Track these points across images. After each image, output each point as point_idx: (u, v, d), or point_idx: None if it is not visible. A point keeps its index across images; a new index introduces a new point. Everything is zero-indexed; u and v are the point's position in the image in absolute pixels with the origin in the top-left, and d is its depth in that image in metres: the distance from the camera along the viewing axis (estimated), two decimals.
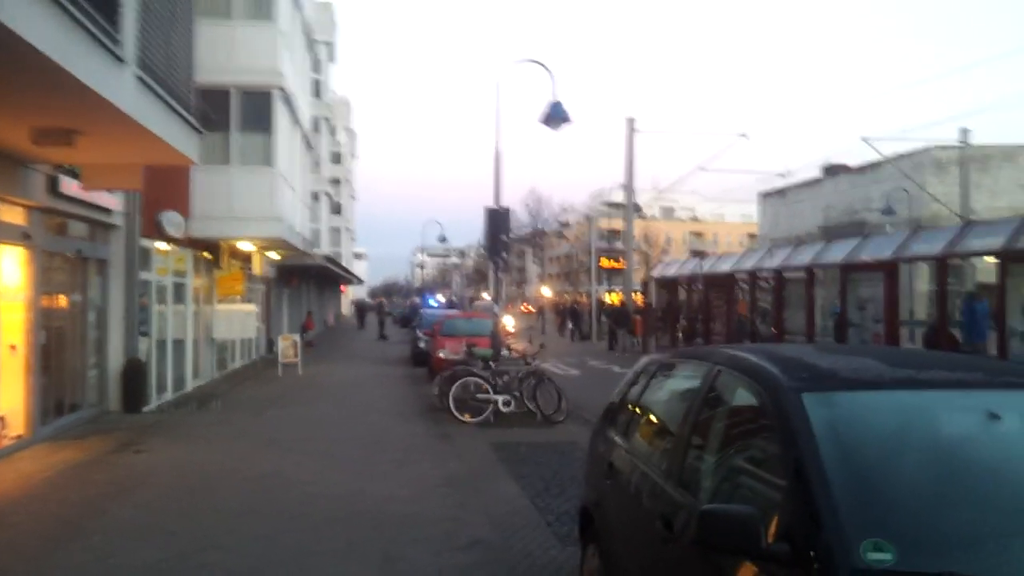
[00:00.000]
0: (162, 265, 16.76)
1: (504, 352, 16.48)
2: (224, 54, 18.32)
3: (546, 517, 8.07)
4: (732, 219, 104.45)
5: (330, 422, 14.19)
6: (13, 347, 11.27)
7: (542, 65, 17.46)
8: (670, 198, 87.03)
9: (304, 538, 7.33)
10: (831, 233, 36.54)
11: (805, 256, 19.99)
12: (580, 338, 41.37)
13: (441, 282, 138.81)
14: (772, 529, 2.92)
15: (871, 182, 40.64)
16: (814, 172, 46.73)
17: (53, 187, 11.47)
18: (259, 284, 27.36)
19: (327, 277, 51.26)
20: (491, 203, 17.10)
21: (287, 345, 22.76)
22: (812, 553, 2.71)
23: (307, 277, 43.83)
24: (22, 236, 11.19)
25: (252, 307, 22.79)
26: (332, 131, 43.25)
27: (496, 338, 16.60)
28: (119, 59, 7.58)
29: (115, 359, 14.44)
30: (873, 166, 40.39)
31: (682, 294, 28.13)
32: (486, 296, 72.84)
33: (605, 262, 64.69)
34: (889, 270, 16.39)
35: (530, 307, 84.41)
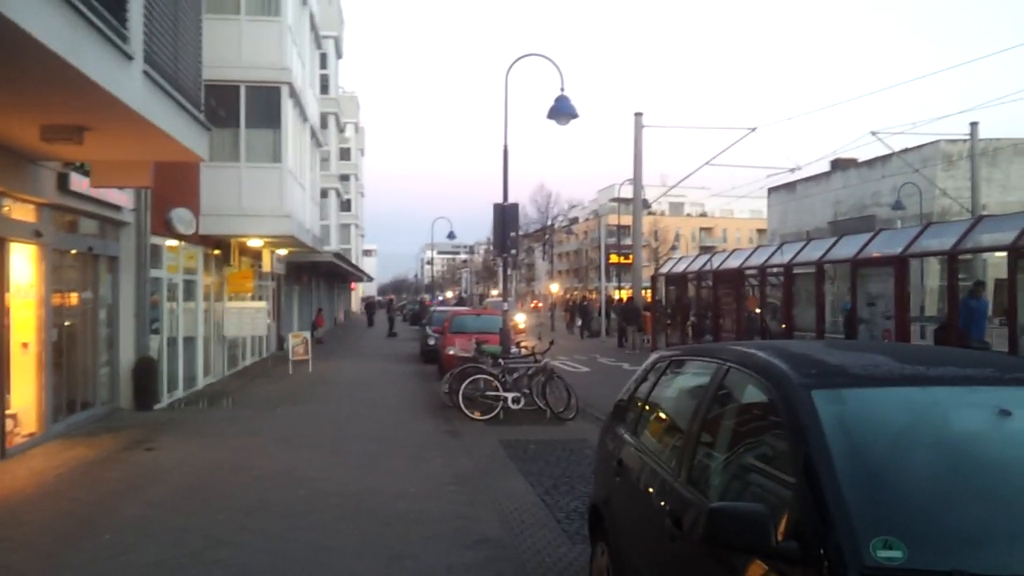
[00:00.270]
0: (172, 262, 16.81)
1: (513, 349, 16.49)
2: (232, 50, 18.37)
3: (555, 514, 8.07)
4: (741, 215, 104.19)
5: (340, 419, 14.21)
6: (25, 345, 11.33)
7: (549, 60, 17.46)
8: (679, 194, 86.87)
9: (314, 535, 7.35)
10: (840, 228, 36.41)
11: (815, 252, 19.90)
12: (589, 335, 41.36)
13: (450, 279, 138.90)
14: (782, 527, 2.91)
15: (880, 176, 40.49)
16: (823, 167, 46.60)
17: (63, 184, 11.51)
18: (269, 281, 27.43)
19: (337, 274, 51.35)
20: (500, 199, 17.09)
21: (298, 342, 22.80)
22: (822, 551, 2.70)
23: (317, 274, 43.94)
24: (33, 233, 11.23)
25: (262, 304, 22.84)
26: (340, 127, 43.29)
27: (505, 335, 16.59)
28: (127, 55, 7.59)
29: (126, 356, 14.49)
30: (882, 160, 40.25)
31: (691, 290, 28.06)
32: (494, 293, 72.92)
33: (614, 258, 64.65)
34: (899, 266, 16.31)
35: (539, 303, 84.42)
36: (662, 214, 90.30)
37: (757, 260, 22.90)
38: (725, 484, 3.67)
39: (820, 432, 3.08)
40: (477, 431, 12.92)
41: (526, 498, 8.74)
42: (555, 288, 76.49)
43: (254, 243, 21.55)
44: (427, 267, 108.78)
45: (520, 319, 38.16)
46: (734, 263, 24.17)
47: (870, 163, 42.62)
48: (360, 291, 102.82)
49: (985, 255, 20.40)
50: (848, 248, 18.64)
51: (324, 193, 34.25)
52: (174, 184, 15.90)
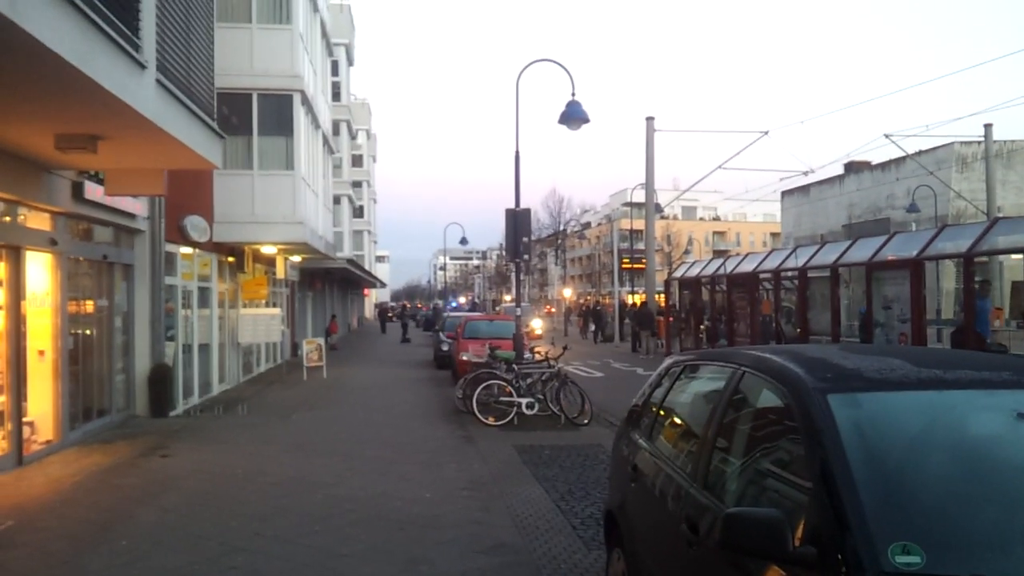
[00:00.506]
0: (187, 270, 16.89)
1: (527, 355, 16.47)
2: (244, 58, 18.47)
3: (571, 520, 8.04)
4: (754, 218, 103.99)
5: (355, 425, 14.23)
6: (41, 352, 11.39)
7: (560, 65, 17.47)
8: (691, 198, 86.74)
9: (329, 541, 7.35)
10: (855, 231, 36.27)
11: (830, 255, 19.81)
12: (603, 340, 41.31)
13: (463, 285, 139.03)
14: (799, 532, 2.89)
15: (895, 179, 40.31)
16: (837, 169, 46.42)
17: (78, 193, 11.58)
18: (283, 288, 27.52)
19: (350, 280, 51.50)
20: (512, 204, 17.09)
21: (312, 348, 22.86)
22: (839, 556, 2.68)
23: (330, 280, 44.06)
24: (48, 242, 11.30)
25: (277, 311, 22.93)
26: (352, 134, 43.41)
27: (519, 340, 16.58)
28: (140, 64, 7.64)
29: (141, 364, 14.56)
30: (896, 163, 40.07)
31: (705, 295, 27.98)
32: (507, 299, 72.94)
33: (627, 263, 64.59)
34: (915, 268, 16.22)
35: (552, 308, 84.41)
36: (675, 218, 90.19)
37: (771, 264, 22.81)
38: (741, 489, 3.64)
39: (836, 436, 3.06)
40: (491, 437, 12.91)
41: (541, 504, 8.73)
42: (568, 293, 76.48)
43: (268, 250, 21.62)
44: (440, 273, 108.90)
45: (537, 325, 38.17)
46: (748, 267, 24.08)
47: (884, 166, 42.44)
48: (374, 297, 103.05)
49: (1001, 257, 20.26)
50: (863, 251, 18.55)
51: (337, 200, 34.34)
52: (188, 192, 15.97)
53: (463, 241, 53.97)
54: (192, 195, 16.49)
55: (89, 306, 13.08)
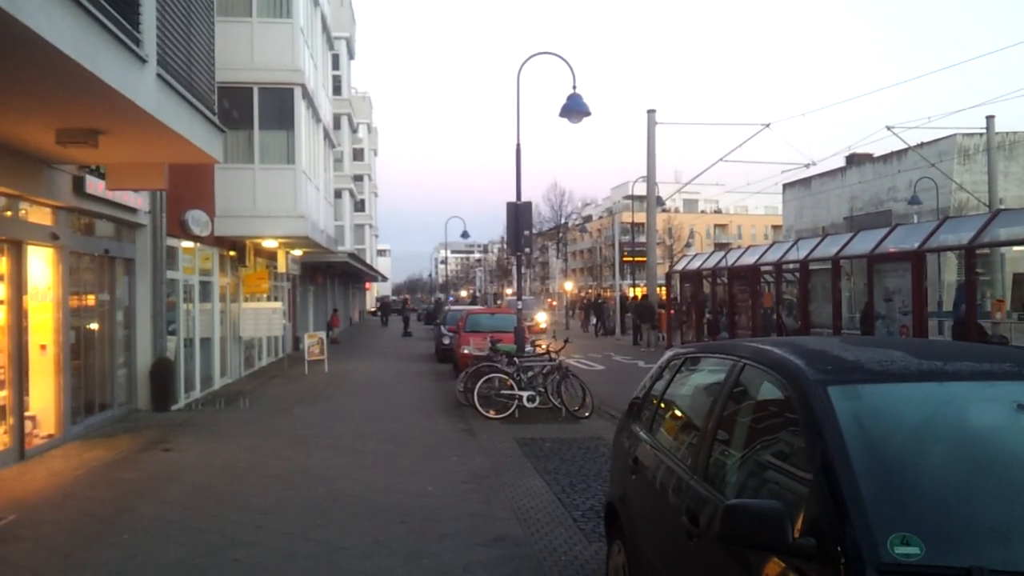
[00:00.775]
0: (188, 264, 16.90)
1: (528, 348, 16.49)
2: (244, 52, 18.46)
3: (572, 513, 8.06)
4: (756, 211, 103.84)
5: (356, 418, 14.24)
6: (43, 347, 11.40)
7: (562, 58, 17.45)
8: (693, 190, 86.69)
9: (331, 534, 7.37)
10: (857, 223, 36.23)
11: (831, 247, 19.80)
12: (604, 333, 41.32)
13: (464, 278, 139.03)
14: (798, 524, 2.90)
15: (896, 171, 40.26)
16: (838, 162, 46.43)
17: (79, 187, 11.59)
18: (284, 282, 27.53)
19: (351, 274, 51.52)
20: (513, 198, 17.09)
21: (313, 342, 22.87)
22: (839, 548, 2.68)
23: (331, 274, 44.08)
24: (50, 236, 11.31)
25: (278, 305, 22.94)
26: (353, 128, 43.38)
27: (520, 333, 16.59)
28: (140, 59, 7.63)
29: (143, 358, 14.58)
30: (898, 155, 40.02)
31: (706, 287, 27.97)
32: (509, 292, 72.95)
33: (628, 256, 64.55)
34: (916, 261, 16.21)
35: (553, 302, 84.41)
36: (676, 211, 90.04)
37: (773, 256, 22.80)
38: (741, 481, 3.65)
39: (836, 428, 3.06)
40: (492, 430, 12.93)
41: (542, 496, 8.74)
42: (569, 286, 76.48)
43: (269, 244, 21.62)
44: (441, 266, 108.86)
45: (541, 318, 38.17)
46: (749, 259, 24.07)
47: (886, 158, 42.39)
48: (375, 291, 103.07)
49: (1003, 249, 20.26)
50: (864, 243, 18.54)
51: (338, 194, 34.33)
52: (189, 186, 15.98)
53: (464, 235, 53.96)
54: (193, 189, 16.49)
55: (91, 300, 13.10)
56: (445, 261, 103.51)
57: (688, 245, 77.55)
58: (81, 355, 12.55)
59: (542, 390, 14.56)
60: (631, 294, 49.38)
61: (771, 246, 25.05)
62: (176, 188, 14.38)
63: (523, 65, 17.57)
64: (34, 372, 11.06)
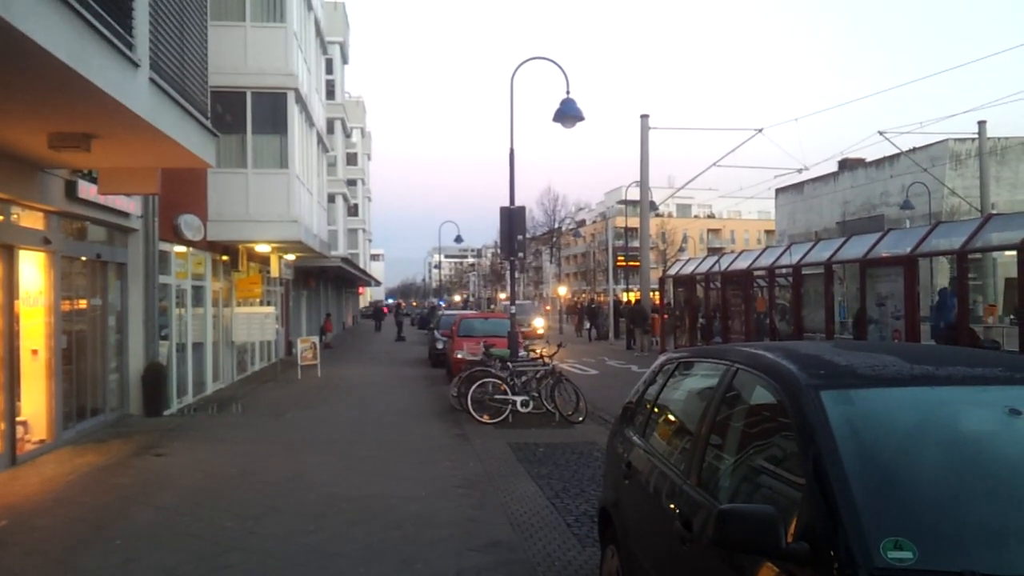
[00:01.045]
0: (180, 268, 16.86)
1: (522, 352, 16.48)
2: (238, 56, 18.44)
3: (565, 518, 8.05)
4: (749, 216, 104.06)
5: (349, 423, 14.22)
6: (35, 352, 11.37)
7: (555, 63, 17.46)
8: (686, 195, 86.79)
9: (324, 540, 7.35)
10: (849, 228, 36.33)
11: (824, 252, 19.83)
12: (598, 337, 41.33)
13: (458, 283, 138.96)
14: (792, 528, 2.90)
15: (888, 176, 40.39)
16: (831, 167, 46.54)
17: (71, 192, 11.56)
18: (277, 286, 27.49)
19: (344, 279, 51.45)
20: (506, 202, 17.08)
21: (306, 347, 22.85)
22: (832, 552, 2.68)
23: (325, 279, 44.01)
24: (42, 241, 11.27)
25: (271, 309, 22.89)
26: (347, 132, 43.34)
27: (513, 338, 16.58)
28: (133, 63, 7.62)
29: (135, 363, 14.53)
30: (890, 160, 40.15)
31: (700, 292, 28.00)
32: (502, 296, 72.96)
33: (622, 260, 64.51)
34: (908, 265, 16.24)
35: (547, 306, 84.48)
36: (669, 216, 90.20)
37: (765, 261, 22.84)
38: (734, 486, 3.66)
39: (829, 433, 3.07)
40: (486, 434, 12.92)
41: (536, 501, 8.74)
42: (563, 291, 76.50)
43: (262, 248, 21.59)
44: (435, 271, 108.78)
45: (539, 323, 38.09)
46: (742, 264, 24.11)
47: (878, 163, 42.54)
48: (368, 295, 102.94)
49: (995, 254, 20.30)
50: (857, 248, 18.58)
51: (331, 198, 34.26)
52: (181, 190, 15.95)
53: (458, 239, 53.93)
54: (186, 194, 16.46)
55: (83, 305, 13.05)
56: (439, 266, 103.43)
57: (681, 250, 77.68)
58: (73, 360, 12.51)
59: (536, 395, 14.55)
60: (625, 299, 49.43)
61: (764, 251, 25.11)
62: (169, 192, 14.35)
63: (516, 70, 17.58)
64: (26, 377, 11.02)
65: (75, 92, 6.89)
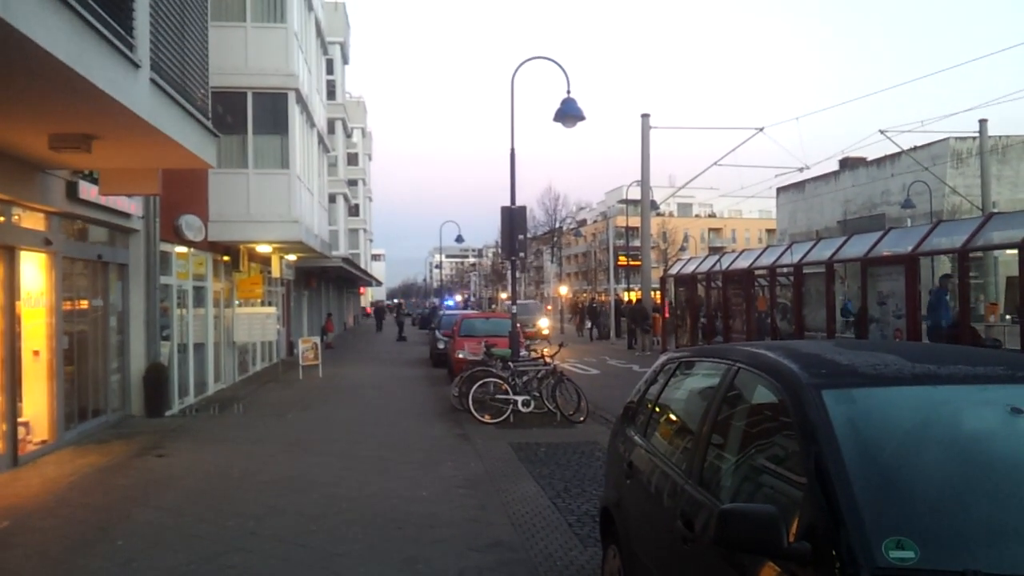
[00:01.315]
0: (182, 269, 16.86)
1: (523, 352, 16.48)
2: (238, 57, 18.43)
3: (567, 518, 8.05)
4: (750, 215, 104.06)
5: (351, 423, 14.22)
6: (36, 353, 11.37)
7: (555, 63, 17.45)
8: (687, 194, 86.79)
9: (326, 540, 7.35)
10: (850, 227, 36.32)
11: (825, 251, 19.83)
12: (599, 337, 41.31)
13: (459, 282, 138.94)
14: (793, 528, 2.90)
15: (890, 175, 40.37)
16: (832, 166, 46.56)
17: (72, 192, 11.56)
18: (279, 287, 27.49)
19: (346, 279, 51.46)
20: (507, 202, 17.08)
21: (307, 347, 22.85)
22: (834, 552, 2.68)
23: (326, 279, 44.01)
24: (43, 242, 11.28)
25: (272, 310, 22.89)
26: (348, 132, 43.34)
27: (514, 338, 16.58)
28: (134, 63, 7.62)
29: (137, 363, 14.54)
30: (891, 159, 40.13)
31: (701, 291, 27.98)
32: (504, 296, 72.90)
33: (623, 260, 64.51)
34: (910, 264, 16.23)
35: (548, 306, 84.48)
36: (670, 215, 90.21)
37: (767, 260, 22.83)
38: (736, 485, 3.65)
39: (831, 432, 3.06)
40: (487, 434, 12.91)
41: (537, 501, 8.73)
42: (564, 290, 76.49)
43: (263, 249, 21.59)
44: (436, 271, 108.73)
45: (544, 324, 37.99)
46: (743, 263, 24.10)
47: (879, 162, 42.51)
48: (369, 295, 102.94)
49: (996, 253, 20.29)
50: (858, 247, 18.57)
51: (332, 198, 34.27)
52: (182, 191, 15.95)
53: (459, 239, 53.92)
54: (187, 194, 16.46)
55: (84, 306, 13.06)
56: (440, 265, 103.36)
57: (682, 249, 77.68)
58: (74, 361, 12.51)
59: (537, 395, 14.55)
60: (626, 298, 49.42)
61: (765, 250, 25.10)
62: (170, 193, 14.35)
63: (517, 70, 17.57)
64: (27, 378, 11.02)
65: (76, 93, 6.89)
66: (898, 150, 34.42)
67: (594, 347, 35.34)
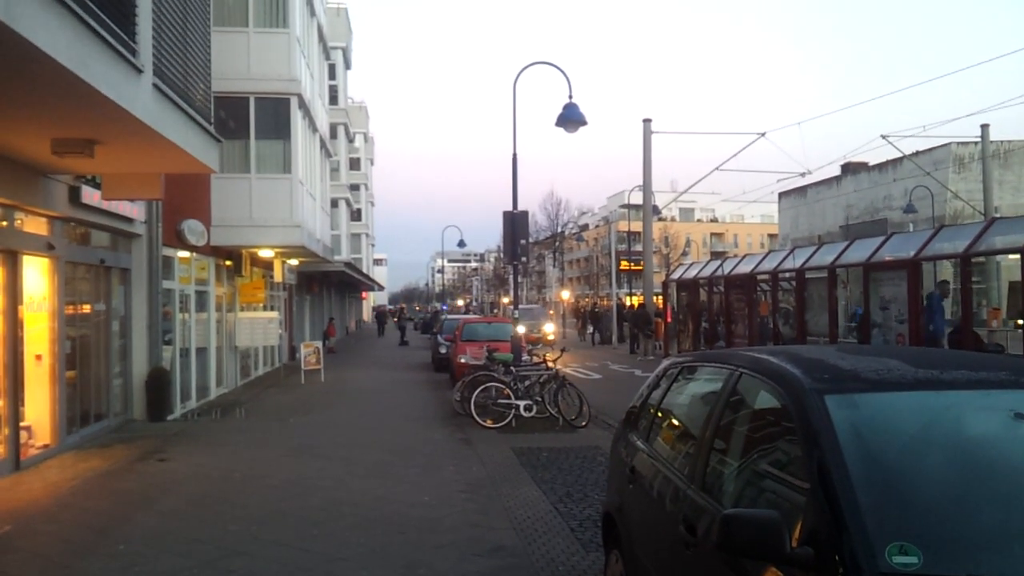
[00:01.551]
0: (184, 274, 16.88)
1: (525, 357, 16.46)
2: (241, 62, 18.47)
3: (569, 523, 8.04)
4: (752, 219, 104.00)
5: (353, 428, 14.22)
6: (39, 357, 11.38)
7: (558, 68, 17.47)
8: (689, 199, 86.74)
9: (328, 544, 7.35)
10: (852, 232, 36.30)
11: (827, 256, 19.80)
12: (601, 342, 41.29)
13: (461, 287, 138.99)
14: (796, 533, 2.89)
15: (892, 180, 40.35)
16: (834, 171, 46.56)
17: (75, 197, 11.57)
18: (281, 291, 27.51)
19: (348, 283, 51.50)
20: (509, 207, 17.08)
21: (309, 352, 22.85)
22: (837, 557, 2.67)
23: (328, 284, 44.06)
24: (46, 246, 11.29)
25: (274, 314, 22.92)
26: (350, 137, 43.39)
27: (516, 342, 16.57)
28: (136, 68, 7.64)
29: (139, 368, 14.54)
30: (894, 164, 40.12)
31: (703, 296, 27.96)
32: (505, 301, 72.89)
33: (625, 264, 64.48)
34: (912, 269, 16.21)
35: (551, 311, 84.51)
36: (672, 220, 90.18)
37: (769, 265, 22.81)
38: (739, 490, 3.64)
39: (834, 437, 3.05)
40: (489, 439, 12.91)
41: (539, 506, 8.72)
42: (566, 295, 76.46)
43: (265, 253, 21.61)
44: (438, 276, 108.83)
45: (549, 329, 37.92)
46: (746, 268, 24.08)
47: (881, 166, 42.50)
48: (371, 300, 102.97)
49: (999, 258, 20.28)
50: (860, 252, 18.55)
51: (334, 203, 34.30)
52: (185, 196, 15.97)
53: (461, 244, 53.94)
54: (189, 199, 16.48)
55: (86, 310, 13.07)
56: (442, 270, 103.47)
57: (684, 254, 77.61)
58: (77, 365, 12.52)
59: (539, 399, 14.53)
60: (628, 303, 49.38)
61: (767, 255, 25.07)
62: (172, 198, 14.37)
63: (519, 75, 17.57)
64: (29, 382, 11.03)
65: (78, 98, 6.90)
66: (900, 155, 34.42)
67: (596, 352, 35.32)
